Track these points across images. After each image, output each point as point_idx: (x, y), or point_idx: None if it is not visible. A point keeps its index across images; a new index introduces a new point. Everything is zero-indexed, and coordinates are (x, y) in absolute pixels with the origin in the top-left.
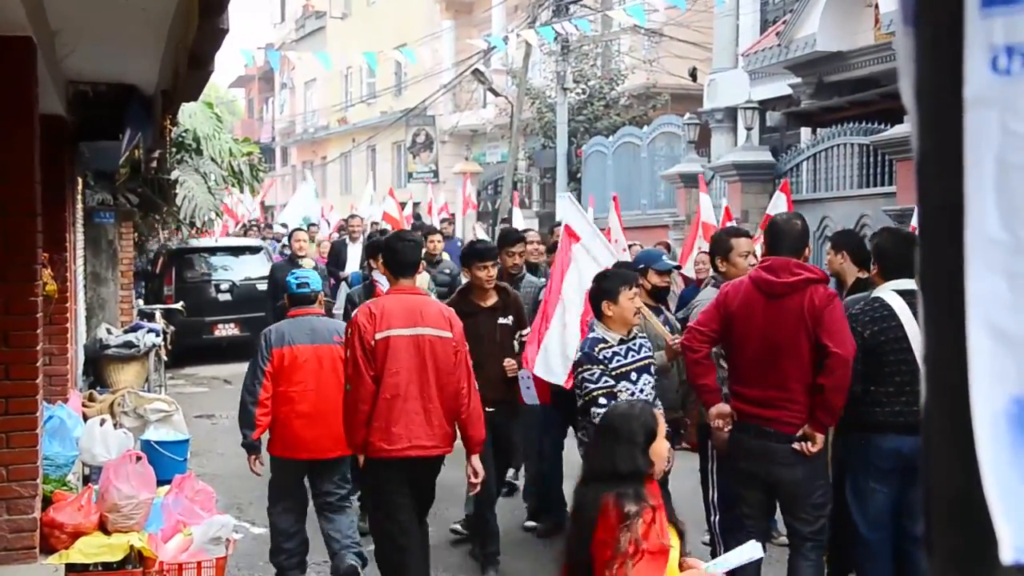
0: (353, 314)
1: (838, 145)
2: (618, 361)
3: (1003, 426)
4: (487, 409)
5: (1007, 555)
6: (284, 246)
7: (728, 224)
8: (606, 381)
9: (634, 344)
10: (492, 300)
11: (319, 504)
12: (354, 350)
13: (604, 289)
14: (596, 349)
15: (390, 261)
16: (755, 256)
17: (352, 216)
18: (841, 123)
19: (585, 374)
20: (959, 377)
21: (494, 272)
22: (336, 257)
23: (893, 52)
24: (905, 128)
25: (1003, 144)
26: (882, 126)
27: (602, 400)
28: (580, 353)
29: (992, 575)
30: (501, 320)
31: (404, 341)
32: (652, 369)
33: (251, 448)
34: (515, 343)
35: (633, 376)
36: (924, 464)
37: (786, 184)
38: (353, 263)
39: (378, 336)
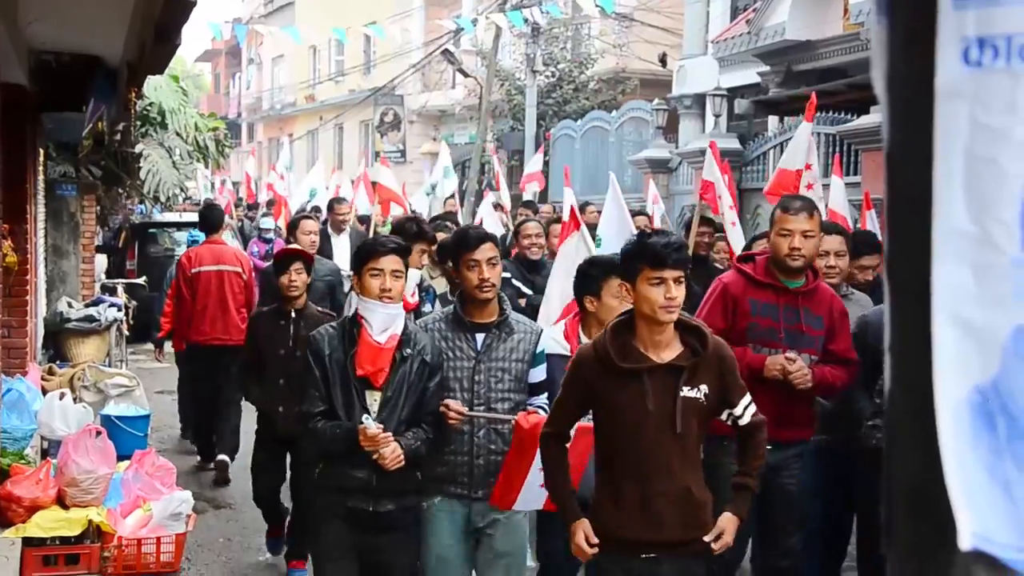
0: (181, 256)
1: None
2: None
3: (965, 415)
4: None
5: (965, 542)
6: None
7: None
8: None
9: None
10: (673, 350)
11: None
12: (178, 279)
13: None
14: None
15: (206, 223)
16: (834, 256)
17: (338, 201)
18: None
19: None
20: (923, 367)
21: (681, 295)
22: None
23: (861, 42)
24: (871, 119)
25: (972, 137)
26: (849, 116)
27: None
28: None
29: (951, 562)
30: (687, 391)
31: (211, 274)
32: None
33: (156, 343)
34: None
35: None
36: (887, 454)
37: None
38: (340, 260)
39: (193, 271)
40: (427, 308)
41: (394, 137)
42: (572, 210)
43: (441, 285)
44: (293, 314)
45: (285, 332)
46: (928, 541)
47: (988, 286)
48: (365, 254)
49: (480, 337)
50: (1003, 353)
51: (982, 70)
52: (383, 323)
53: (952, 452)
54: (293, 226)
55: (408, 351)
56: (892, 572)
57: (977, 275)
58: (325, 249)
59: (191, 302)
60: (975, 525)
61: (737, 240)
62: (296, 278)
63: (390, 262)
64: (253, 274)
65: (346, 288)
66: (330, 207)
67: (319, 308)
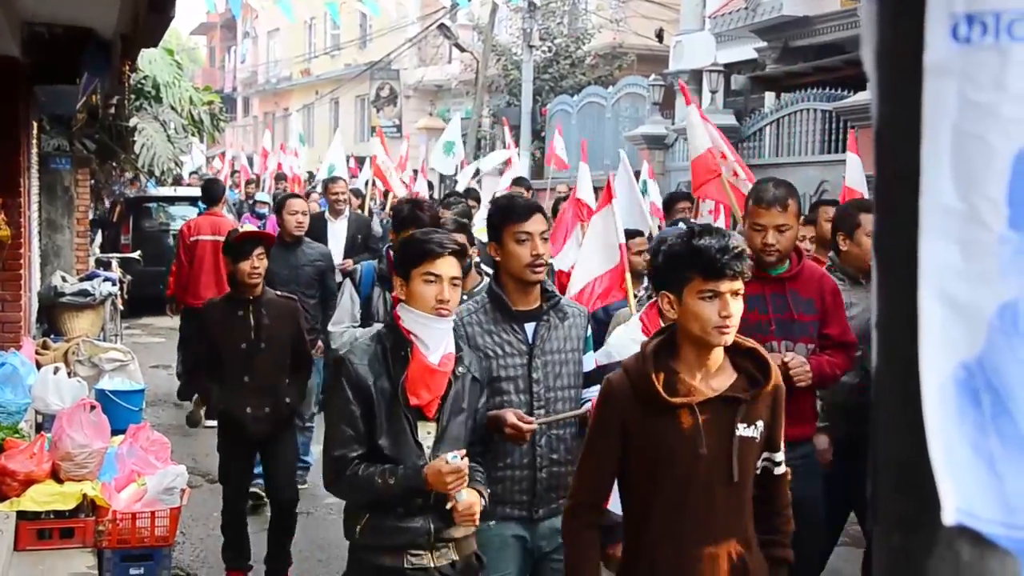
0: (182, 225)
1: (801, 110)
2: None
3: (951, 391)
4: None
5: (949, 516)
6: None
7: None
8: None
9: None
10: (726, 378)
11: None
12: (179, 246)
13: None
14: None
15: (208, 196)
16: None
17: (334, 180)
18: (805, 88)
19: None
20: (910, 343)
21: (739, 311)
22: (314, 237)
23: (858, 19)
24: (867, 95)
25: (960, 114)
26: (845, 92)
27: None
28: None
29: (935, 536)
30: (743, 429)
31: (207, 243)
32: None
33: (168, 301)
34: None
35: None
36: (873, 431)
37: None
38: (336, 245)
39: (191, 239)
40: None
41: (390, 112)
42: (608, 184)
43: None
44: (251, 302)
45: (244, 323)
46: (913, 516)
47: (975, 263)
48: (419, 254)
49: (530, 327)
50: (989, 329)
51: (971, 47)
52: (437, 340)
53: (937, 428)
54: (280, 205)
55: (461, 370)
56: (877, 546)
57: (964, 251)
58: (322, 233)
59: (188, 267)
60: (959, 500)
61: None
62: (259, 264)
63: (449, 266)
64: None
65: (338, 276)
66: (324, 187)
67: (277, 292)
